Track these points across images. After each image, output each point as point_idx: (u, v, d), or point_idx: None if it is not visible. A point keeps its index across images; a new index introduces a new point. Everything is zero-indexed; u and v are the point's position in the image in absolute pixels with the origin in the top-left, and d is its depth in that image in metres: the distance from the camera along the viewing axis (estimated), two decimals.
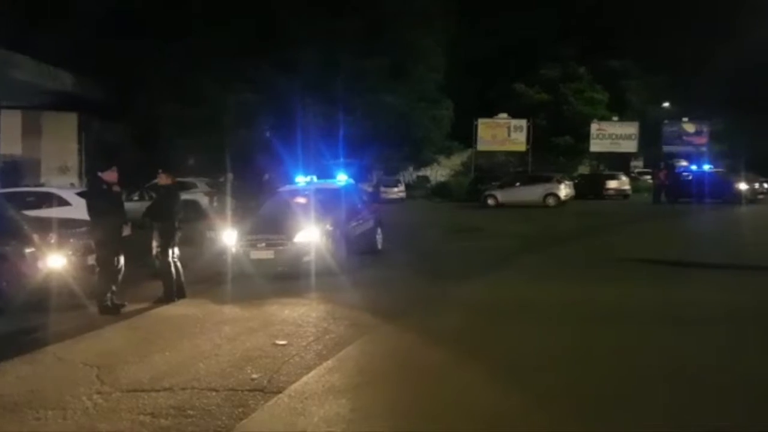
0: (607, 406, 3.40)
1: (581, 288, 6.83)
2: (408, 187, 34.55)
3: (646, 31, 43.06)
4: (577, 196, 26.96)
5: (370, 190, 27.68)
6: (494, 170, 35.57)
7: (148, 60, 23.66)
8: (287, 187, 11.05)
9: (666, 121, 43.43)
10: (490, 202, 25.04)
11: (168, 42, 23.68)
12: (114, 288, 6.04)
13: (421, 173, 41.01)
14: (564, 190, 24.59)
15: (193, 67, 24.47)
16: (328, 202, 9.44)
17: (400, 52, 32.01)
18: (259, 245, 8.12)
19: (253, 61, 25.89)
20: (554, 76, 43.94)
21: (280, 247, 8.04)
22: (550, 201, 23.86)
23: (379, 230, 10.66)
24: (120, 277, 6.17)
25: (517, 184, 26.03)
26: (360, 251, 9.43)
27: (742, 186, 25.19)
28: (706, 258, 9.02)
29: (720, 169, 28.80)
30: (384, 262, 9.42)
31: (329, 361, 4.29)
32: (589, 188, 30.33)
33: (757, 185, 27.99)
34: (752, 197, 25.22)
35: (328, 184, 11.16)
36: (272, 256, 8.01)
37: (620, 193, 30.77)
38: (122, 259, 6.20)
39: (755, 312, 5.54)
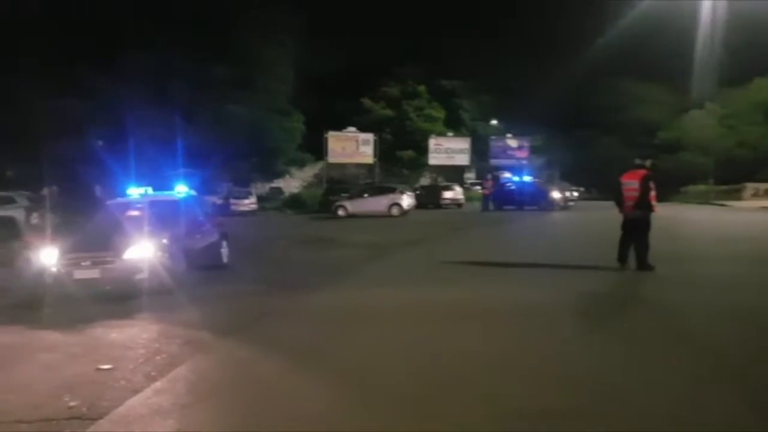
0: (427, 400, 3.60)
1: (419, 291, 7.29)
2: (261, 198, 33.88)
3: (475, 55, 47.40)
4: (418, 206, 28.71)
5: (219, 202, 26.68)
6: (345, 182, 36.46)
7: None
8: (118, 200, 10.27)
9: (493, 137, 48.30)
10: (341, 212, 25.68)
11: None
12: None
13: (274, 185, 40.52)
14: (406, 201, 26.06)
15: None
16: (164, 215, 8.95)
17: (248, 63, 31.46)
18: (83, 264, 7.47)
19: (86, 67, 23.61)
20: (396, 94, 46.52)
21: (108, 266, 7.47)
22: (395, 211, 25.16)
23: (224, 243, 10.38)
24: None
25: (365, 195, 26.97)
26: (203, 266, 9.14)
27: (556, 194, 28.81)
28: (527, 259, 10.10)
29: (538, 180, 32.45)
30: (229, 277, 9.23)
31: (158, 383, 4.10)
32: (429, 198, 32.46)
33: (568, 194, 32.29)
34: (564, 204, 28.96)
35: (166, 196, 10.57)
36: (98, 275, 7.40)
37: (455, 203, 33.36)
38: None
39: (564, 305, 6.26)
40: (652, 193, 8.24)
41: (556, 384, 3.80)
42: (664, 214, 13.45)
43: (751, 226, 17.24)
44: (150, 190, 10.30)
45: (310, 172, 44.15)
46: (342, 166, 42.06)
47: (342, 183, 33.53)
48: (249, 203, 30.56)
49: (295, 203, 34.15)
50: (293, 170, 41.62)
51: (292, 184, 41.30)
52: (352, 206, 25.83)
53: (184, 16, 27.46)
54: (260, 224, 24.11)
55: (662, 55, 40.29)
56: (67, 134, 23.57)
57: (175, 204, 9.90)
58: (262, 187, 38.30)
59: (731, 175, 37.57)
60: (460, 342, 4.92)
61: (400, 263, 10.40)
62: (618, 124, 46.98)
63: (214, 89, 29.57)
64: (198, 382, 4.23)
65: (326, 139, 40.55)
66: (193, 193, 11.12)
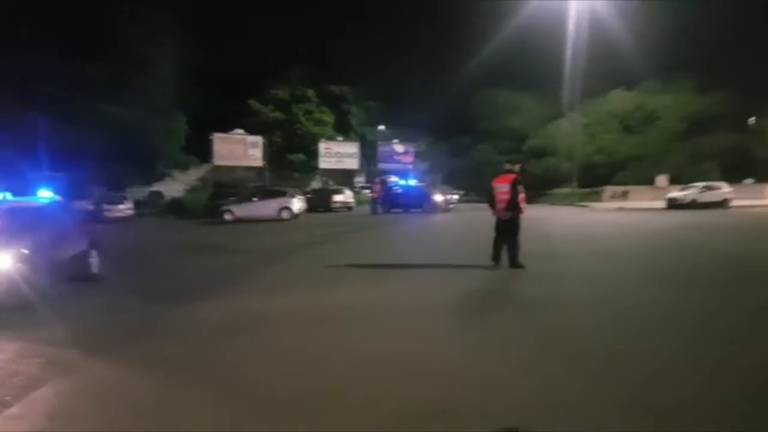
0: (316, 405, 3.59)
1: (309, 296, 7.26)
2: (139, 204, 31.73)
3: (363, 63, 48.41)
4: (309, 209, 28.66)
5: (90, 207, 24.65)
6: (234, 185, 35.49)
7: None
8: None
9: (380, 142, 49.52)
10: (227, 217, 24.89)
11: None
12: None
13: (154, 189, 38.10)
14: (297, 204, 25.88)
15: None
16: (24, 222, 8.10)
17: (124, 62, 29.43)
18: None
19: None
20: (285, 97, 46.02)
21: None
22: (285, 215, 24.89)
23: (93, 252, 9.62)
24: None
25: (254, 199, 26.37)
26: (71, 278, 8.41)
27: (438, 198, 30.16)
28: (413, 260, 10.51)
29: (422, 184, 33.77)
30: (101, 289, 8.54)
31: (13, 408, 3.69)
32: (319, 202, 32.52)
33: (449, 197, 33.94)
34: (446, 207, 30.40)
35: (26, 201, 9.59)
36: None
37: (345, 206, 33.73)
38: None
39: (451, 303, 6.61)
40: (522, 196, 8.86)
41: (442, 383, 3.90)
42: (533, 215, 14.66)
43: (608, 225, 19.32)
44: (9, 196, 9.27)
45: (194, 175, 42.22)
46: (229, 169, 40.73)
47: (229, 187, 32.42)
48: (124, 209, 28.53)
49: (178, 208, 32.38)
50: (175, 173, 39.52)
51: (174, 188, 39.18)
52: (240, 211, 25.12)
53: (52, 12, 25.09)
54: (138, 231, 22.61)
55: (533, 68, 43.84)
56: None
57: (36, 210, 9.00)
58: (141, 192, 35.90)
59: (592, 178, 41.82)
60: (350, 345, 4.95)
61: (291, 268, 10.24)
62: (492, 132, 50.40)
63: (85, 88, 27.27)
64: (60, 406, 3.81)
65: (212, 140, 39.05)
66: (58, 198, 10.20)
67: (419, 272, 9.19)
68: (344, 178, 45.13)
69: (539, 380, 3.90)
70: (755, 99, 45.53)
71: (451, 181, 47.81)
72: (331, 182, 43.79)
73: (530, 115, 49.55)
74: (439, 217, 25.41)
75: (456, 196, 38.39)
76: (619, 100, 46.47)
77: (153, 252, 14.39)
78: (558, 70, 39.93)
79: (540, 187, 41.76)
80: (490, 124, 50.63)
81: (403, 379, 4.00)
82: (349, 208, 33.73)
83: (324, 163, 44.85)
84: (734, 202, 30.11)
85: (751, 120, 48.25)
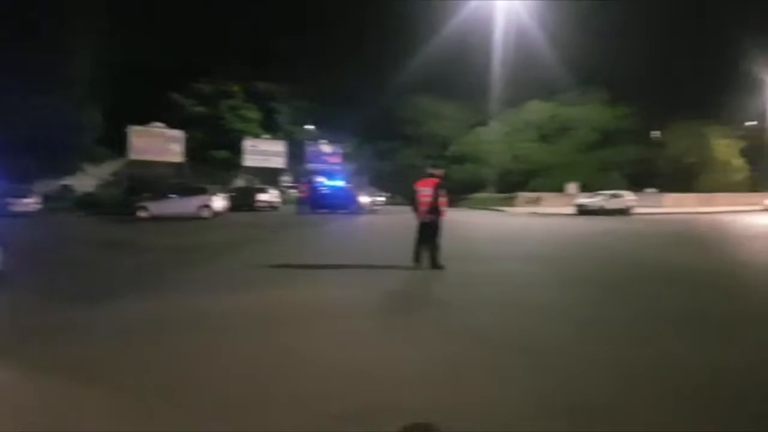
0: (234, 410, 3.51)
1: (227, 297, 7.01)
2: (48, 198, 29.68)
3: (292, 62, 47.95)
4: (232, 208, 27.99)
5: None
6: (152, 181, 34.00)
7: None
8: None
9: (308, 142, 49.24)
10: (143, 214, 23.83)
11: None
12: None
13: (64, 182, 35.71)
14: (218, 202, 25.22)
15: None
16: None
17: (31, 48, 27.36)
18: None
19: None
20: (210, 92, 44.63)
21: None
22: (205, 213, 24.18)
23: None
24: None
25: (172, 195, 25.39)
26: None
27: (365, 199, 30.47)
28: (338, 260, 10.49)
29: (349, 185, 33.96)
30: (1, 286, 7.98)
31: None
32: (243, 200, 31.86)
33: (375, 198, 34.37)
34: (372, 208, 30.75)
35: None
36: None
37: (270, 205, 33.28)
38: None
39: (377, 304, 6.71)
40: (443, 200, 9.23)
41: (360, 383, 3.91)
42: (454, 218, 15.20)
43: (523, 229, 20.35)
44: None
45: (108, 169, 39.99)
46: (147, 164, 38.89)
47: (148, 183, 30.96)
48: (29, 203, 26.63)
49: (89, 203, 30.57)
50: (88, 167, 37.25)
51: (86, 182, 36.92)
52: (157, 208, 24.11)
53: None
54: (45, 226, 21.15)
55: (457, 76, 45.33)
56: None
57: None
58: (50, 185, 33.55)
59: (508, 184, 43.86)
60: (269, 347, 4.83)
61: (209, 268, 9.91)
62: (417, 137, 51.65)
63: None
64: None
65: (128, 133, 37.19)
66: None
67: (342, 273, 9.22)
68: (270, 176, 44.41)
69: (455, 379, 3.95)
70: (658, 114, 49.75)
71: (377, 184, 48.37)
72: (256, 181, 42.95)
73: (453, 122, 51.19)
74: (364, 219, 25.63)
75: (382, 198, 38.88)
76: (537, 110, 49.03)
77: (60, 249, 13.53)
78: (481, 79, 41.52)
79: (461, 192, 43.20)
80: (416, 129, 51.84)
81: (322, 379, 3.97)
82: (275, 208, 33.26)
83: (249, 160, 43.92)
84: (637, 210, 32.66)
85: (655, 133, 52.55)
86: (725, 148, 49.90)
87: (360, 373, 4.13)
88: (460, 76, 45.15)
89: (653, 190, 45.71)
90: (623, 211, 31.82)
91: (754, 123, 51.73)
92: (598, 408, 3.40)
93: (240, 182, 43.39)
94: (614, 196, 33.18)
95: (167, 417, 3.38)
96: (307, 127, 52.37)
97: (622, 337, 5.18)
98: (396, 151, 53.24)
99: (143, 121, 38.51)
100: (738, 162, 50.79)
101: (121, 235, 16.83)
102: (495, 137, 43.11)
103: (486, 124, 47.02)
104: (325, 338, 5.11)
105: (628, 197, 33.31)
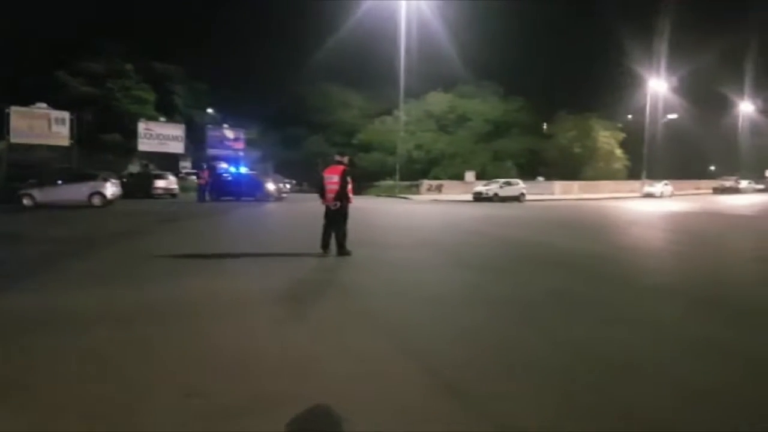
0: (130, 406, 3.40)
1: (122, 291, 6.64)
2: None
3: (193, 42, 45.90)
4: (126, 195, 26.61)
5: None
6: (34, 166, 31.24)
7: None
8: None
9: (209, 126, 47.43)
10: (27, 202, 22.18)
11: None
12: None
13: None
14: (111, 189, 23.87)
15: None
16: None
17: None
18: None
19: None
20: (100, 71, 41.54)
21: None
22: (96, 200, 22.88)
23: None
24: None
25: (59, 182, 23.65)
26: None
27: (271, 186, 30.15)
28: (244, 249, 10.46)
29: (254, 172, 33.38)
30: None
31: None
32: (138, 187, 30.35)
33: (282, 186, 34.07)
34: (278, 196, 30.50)
35: None
36: None
37: (168, 192, 31.96)
38: None
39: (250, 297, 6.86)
40: (349, 186, 9.56)
41: (263, 372, 3.92)
42: (360, 205, 15.64)
43: (426, 215, 21.30)
44: None
45: None
46: (29, 147, 35.58)
47: (30, 168, 28.40)
48: None
49: None
50: None
51: None
52: (43, 195, 22.42)
53: None
54: None
55: (364, 66, 45.94)
56: None
57: None
58: None
59: (412, 172, 45.35)
60: (169, 342, 4.59)
61: (103, 259, 9.40)
62: (325, 124, 51.74)
63: None
64: None
65: (8, 115, 33.86)
66: None
67: (248, 262, 9.15)
68: (168, 162, 42.29)
69: (356, 364, 4.10)
70: (548, 108, 53.62)
71: (283, 171, 47.73)
72: (152, 166, 40.72)
73: (360, 111, 51.81)
74: (271, 206, 25.39)
75: (288, 186, 38.62)
76: (437, 101, 50.90)
77: None
78: (387, 69, 42.36)
79: (367, 179, 44.00)
80: (323, 117, 51.84)
81: (221, 372, 3.89)
82: (173, 195, 31.93)
83: (144, 145, 41.49)
84: (528, 197, 35.17)
85: (544, 126, 56.50)
86: (608, 139, 54.72)
87: (260, 362, 4.09)
88: (368, 66, 45.79)
89: (542, 178, 49.37)
90: (516, 198, 34.14)
91: (630, 117, 57.32)
92: (491, 391, 3.60)
93: (134, 168, 40.95)
94: (507, 183, 35.47)
95: (48, 415, 3.23)
96: (208, 111, 50.41)
97: (517, 319, 5.56)
98: (303, 139, 52.90)
99: (26, 102, 35.17)
100: (619, 153, 55.94)
101: (3, 226, 15.51)
102: (398, 126, 44.26)
103: (391, 114, 48.07)
104: (227, 329, 4.97)
105: (520, 185, 35.74)
